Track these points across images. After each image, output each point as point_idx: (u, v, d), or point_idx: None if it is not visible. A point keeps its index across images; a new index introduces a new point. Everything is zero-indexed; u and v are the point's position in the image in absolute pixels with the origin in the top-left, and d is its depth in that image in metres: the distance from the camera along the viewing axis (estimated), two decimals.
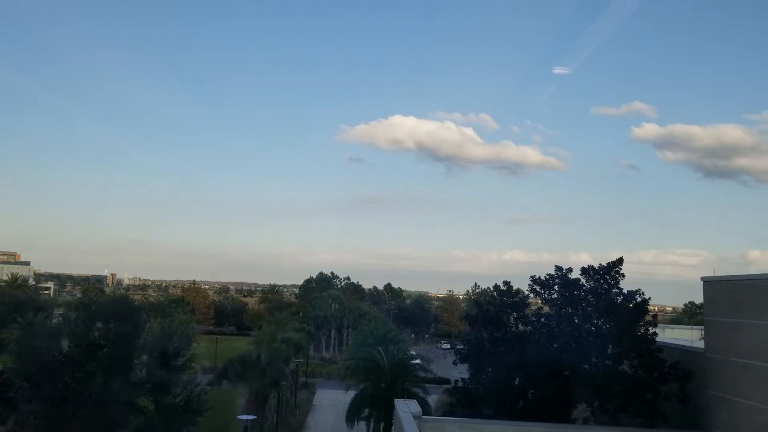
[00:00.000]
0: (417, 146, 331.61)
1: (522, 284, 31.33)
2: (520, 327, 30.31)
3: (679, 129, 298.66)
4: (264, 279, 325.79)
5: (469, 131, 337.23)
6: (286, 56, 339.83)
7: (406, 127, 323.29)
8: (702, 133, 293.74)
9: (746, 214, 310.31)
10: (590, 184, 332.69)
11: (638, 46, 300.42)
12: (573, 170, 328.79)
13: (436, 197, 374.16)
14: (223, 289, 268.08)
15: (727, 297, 23.91)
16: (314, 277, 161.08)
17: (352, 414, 40.33)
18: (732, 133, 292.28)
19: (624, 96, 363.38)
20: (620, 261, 28.12)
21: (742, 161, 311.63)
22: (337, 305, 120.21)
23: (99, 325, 33.55)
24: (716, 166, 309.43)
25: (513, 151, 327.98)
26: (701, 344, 26.53)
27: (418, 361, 45.19)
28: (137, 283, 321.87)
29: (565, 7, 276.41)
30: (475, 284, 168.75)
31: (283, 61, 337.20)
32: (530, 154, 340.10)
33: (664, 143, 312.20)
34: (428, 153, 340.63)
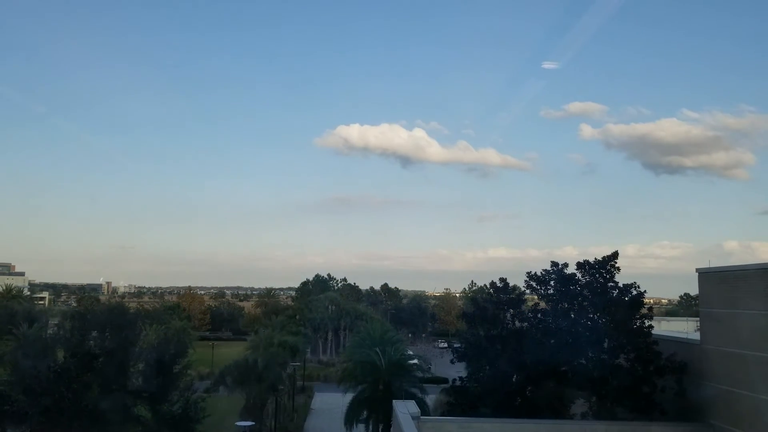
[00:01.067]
0: (380, 150, 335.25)
1: (506, 281, 31.32)
2: (517, 324, 30.32)
3: (641, 128, 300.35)
4: (260, 283, 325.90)
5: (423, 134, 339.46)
6: (283, 58, 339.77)
7: (372, 133, 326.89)
8: (658, 130, 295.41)
9: (715, 207, 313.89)
10: (562, 183, 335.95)
11: (618, 45, 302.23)
12: (541, 170, 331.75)
13: (419, 198, 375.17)
14: (219, 294, 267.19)
15: (721, 288, 23.97)
16: (311, 279, 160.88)
17: (351, 417, 40.19)
18: (677, 129, 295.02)
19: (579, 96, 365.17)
20: (615, 255, 28.14)
21: (702, 158, 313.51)
22: (333, 307, 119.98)
23: (94, 334, 33.36)
24: (679, 162, 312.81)
25: (475, 155, 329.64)
26: (697, 336, 26.57)
27: (415, 361, 45.14)
28: (132, 291, 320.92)
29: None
30: (472, 282, 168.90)
31: (281, 63, 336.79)
32: (491, 156, 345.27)
33: (623, 142, 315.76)
34: (398, 157, 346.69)
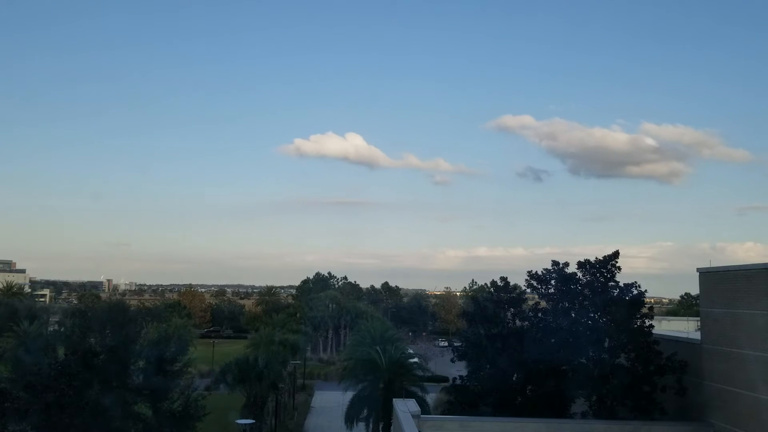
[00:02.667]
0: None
1: (507, 280, 31.33)
2: (518, 323, 30.31)
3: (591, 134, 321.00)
4: (261, 281, 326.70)
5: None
6: (286, 60, 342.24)
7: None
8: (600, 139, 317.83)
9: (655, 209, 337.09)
10: (510, 188, 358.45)
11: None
12: (490, 176, 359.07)
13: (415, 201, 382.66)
14: (220, 292, 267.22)
15: (722, 288, 23.96)
16: (311, 277, 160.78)
17: (351, 415, 40.25)
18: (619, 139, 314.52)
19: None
20: (616, 254, 28.11)
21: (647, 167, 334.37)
22: (334, 305, 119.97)
23: (95, 332, 33.41)
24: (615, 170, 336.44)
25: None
26: (697, 335, 26.58)
27: (416, 359, 45.17)
28: (133, 288, 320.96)
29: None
30: (473, 281, 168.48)
31: (285, 65, 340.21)
32: (442, 164, 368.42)
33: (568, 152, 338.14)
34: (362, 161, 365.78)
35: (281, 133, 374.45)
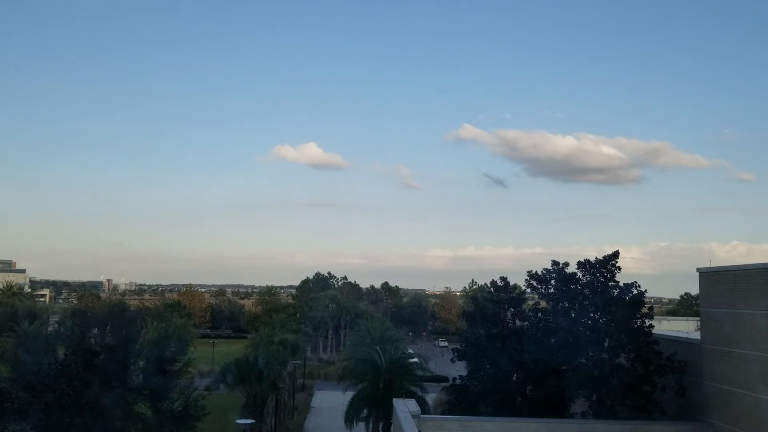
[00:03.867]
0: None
1: (507, 280, 31.40)
2: (518, 322, 30.33)
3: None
4: (261, 281, 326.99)
5: None
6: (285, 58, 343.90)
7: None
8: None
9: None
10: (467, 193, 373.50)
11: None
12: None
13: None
14: (220, 292, 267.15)
15: (722, 288, 23.96)
16: (311, 277, 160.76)
17: (351, 415, 40.20)
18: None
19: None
20: (616, 254, 28.11)
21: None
22: (334, 305, 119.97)
23: (95, 332, 33.41)
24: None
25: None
26: (697, 335, 26.59)
27: (416, 359, 45.15)
28: (133, 288, 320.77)
29: None
30: (473, 280, 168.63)
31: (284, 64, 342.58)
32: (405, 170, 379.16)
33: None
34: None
35: (276, 137, 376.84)
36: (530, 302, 32.09)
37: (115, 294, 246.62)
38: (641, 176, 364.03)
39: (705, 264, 23.64)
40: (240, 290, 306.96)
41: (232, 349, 77.07)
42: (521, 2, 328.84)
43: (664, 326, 44.75)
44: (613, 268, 27.93)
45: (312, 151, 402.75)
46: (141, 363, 32.97)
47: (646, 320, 26.99)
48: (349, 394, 42.12)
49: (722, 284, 24.00)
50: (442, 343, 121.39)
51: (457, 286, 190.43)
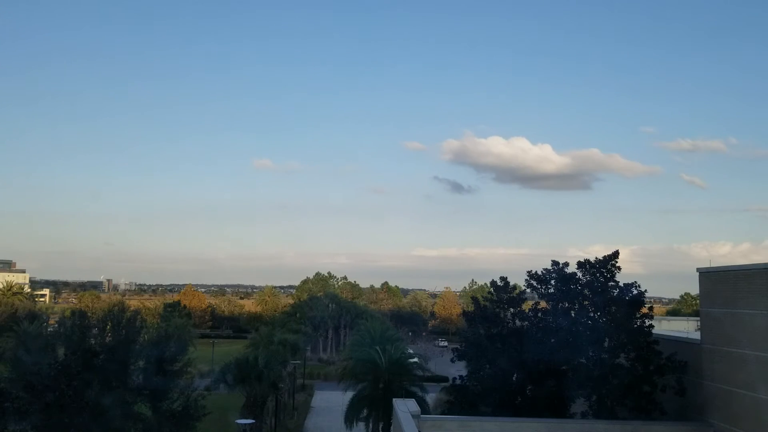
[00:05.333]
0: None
1: (507, 280, 31.41)
2: (517, 322, 30.31)
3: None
4: (260, 281, 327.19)
5: None
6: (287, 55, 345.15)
7: None
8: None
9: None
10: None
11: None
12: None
13: None
14: (220, 292, 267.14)
15: (722, 288, 23.96)
16: (311, 277, 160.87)
17: (351, 415, 40.17)
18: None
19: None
20: (616, 254, 28.11)
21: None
22: (334, 305, 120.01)
23: (95, 332, 33.35)
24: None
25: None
26: (697, 335, 26.58)
27: (416, 359, 45.12)
28: (133, 288, 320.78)
29: None
30: (472, 280, 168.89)
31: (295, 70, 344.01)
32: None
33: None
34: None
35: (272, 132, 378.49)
36: (530, 302, 32.07)
37: (115, 294, 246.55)
38: (589, 183, 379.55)
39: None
40: (240, 290, 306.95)
41: (232, 349, 76.99)
42: (476, 10, 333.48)
43: (664, 326, 44.73)
44: (613, 268, 27.93)
45: None
46: (141, 363, 32.96)
47: (646, 320, 27.00)
48: (349, 394, 42.10)
49: (722, 284, 24.00)
50: (442, 343, 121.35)
51: (457, 286, 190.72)
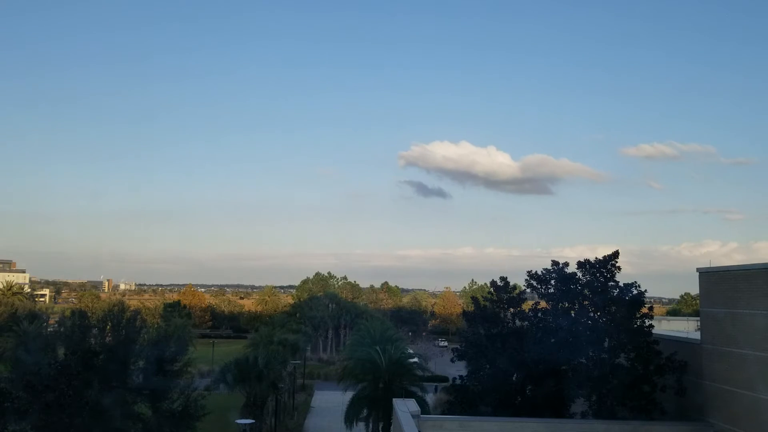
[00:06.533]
0: None
1: (507, 280, 31.40)
2: (517, 322, 30.30)
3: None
4: (261, 281, 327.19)
5: None
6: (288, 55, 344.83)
7: None
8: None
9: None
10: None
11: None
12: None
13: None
14: (220, 292, 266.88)
15: (722, 288, 23.95)
16: (311, 277, 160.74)
17: (351, 415, 40.16)
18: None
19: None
20: (616, 254, 28.10)
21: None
22: (334, 305, 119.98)
23: (95, 332, 33.37)
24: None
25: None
26: (697, 335, 26.58)
27: (416, 359, 45.12)
28: (133, 288, 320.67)
29: None
30: (472, 280, 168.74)
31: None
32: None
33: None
34: None
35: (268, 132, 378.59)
36: (530, 302, 32.05)
37: (114, 294, 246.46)
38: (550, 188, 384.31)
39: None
40: (240, 290, 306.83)
41: (232, 349, 77.04)
42: (445, 18, 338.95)
43: (664, 326, 44.74)
44: (612, 268, 27.93)
45: None
46: (141, 363, 32.96)
47: (646, 320, 26.99)
48: (349, 394, 42.10)
49: (722, 284, 23.99)
50: (442, 343, 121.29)
51: (457, 286, 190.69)
